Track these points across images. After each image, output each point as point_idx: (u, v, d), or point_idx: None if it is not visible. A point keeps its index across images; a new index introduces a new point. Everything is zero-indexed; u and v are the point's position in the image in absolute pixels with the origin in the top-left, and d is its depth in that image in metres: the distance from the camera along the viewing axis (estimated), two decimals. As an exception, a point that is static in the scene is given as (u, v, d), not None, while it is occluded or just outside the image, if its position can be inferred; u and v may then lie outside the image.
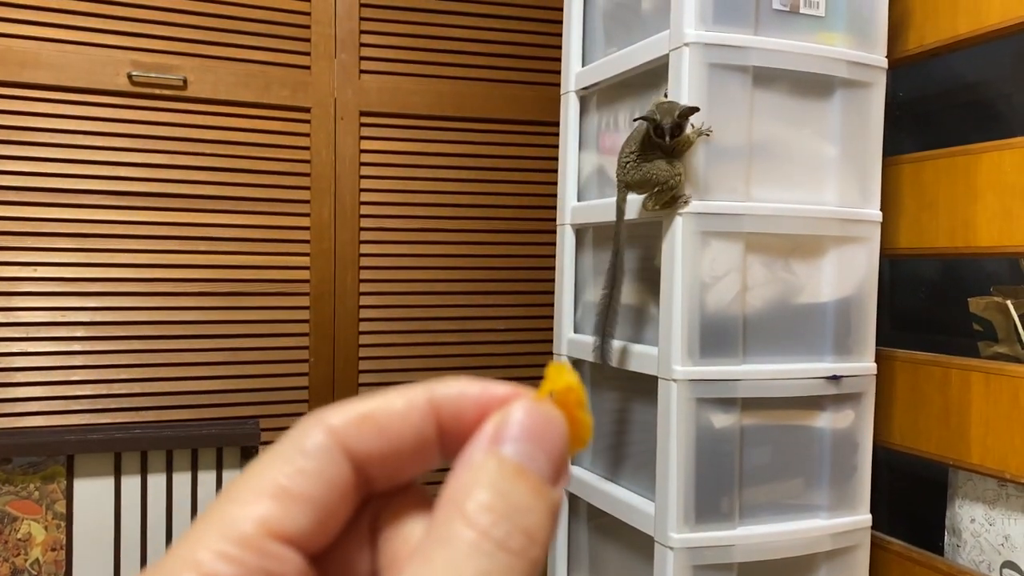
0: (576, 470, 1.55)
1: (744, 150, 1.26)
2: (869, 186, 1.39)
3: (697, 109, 1.18)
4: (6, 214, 1.87)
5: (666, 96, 1.24)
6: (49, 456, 1.81)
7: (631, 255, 1.40)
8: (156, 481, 1.88)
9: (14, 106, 1.87)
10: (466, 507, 0.20)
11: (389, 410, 0.23)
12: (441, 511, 0.21)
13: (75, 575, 1.84)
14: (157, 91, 1.96)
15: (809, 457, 1.36)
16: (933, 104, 1.71)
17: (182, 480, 1.90)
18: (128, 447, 1.85)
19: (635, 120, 1.20)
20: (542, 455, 0.22)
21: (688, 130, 1.20)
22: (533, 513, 0.21)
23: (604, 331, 1.29)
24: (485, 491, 0.21)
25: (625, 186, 1.25)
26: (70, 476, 1.83)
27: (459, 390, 0.24)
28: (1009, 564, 1.39)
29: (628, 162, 1.23)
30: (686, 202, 1.21)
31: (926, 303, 1.73)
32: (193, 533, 0.20)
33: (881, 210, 1.41)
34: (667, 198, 1.21)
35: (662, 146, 1.19)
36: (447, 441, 0.24)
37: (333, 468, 0.22)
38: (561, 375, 0.25)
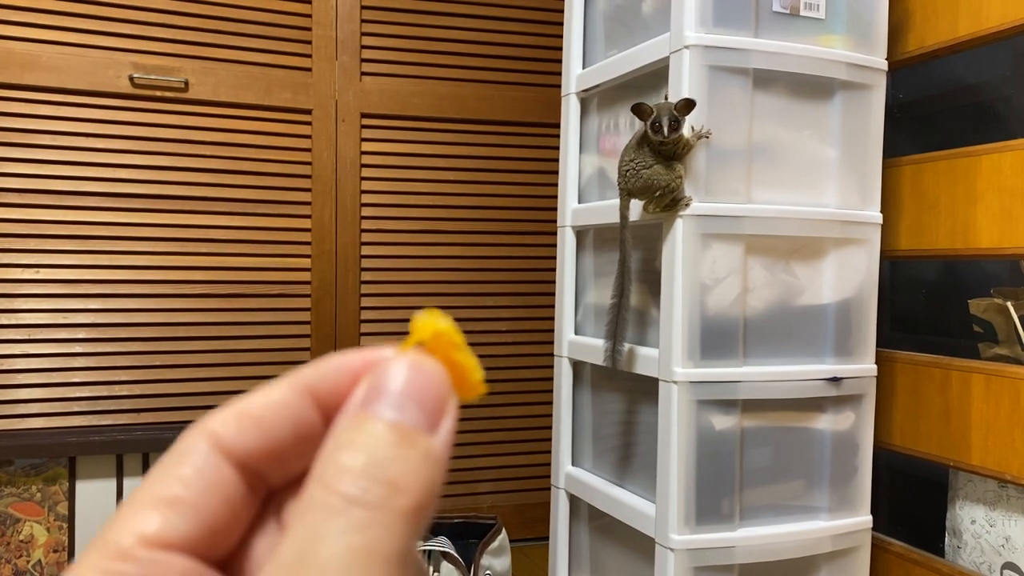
0: (577, 471, 1.55)
1: (744, 152, 1.26)
2: (869, 188, 1.39)
3: (694, 102, 1.17)
4: (8, 216, 1.87)
5: (666, 99, 1.24)
6: (51, 458, 1.81)
7: (632, 257, 1.40)
8: (158, 483, 1.88)
9: (16, 108, 1.88)
10: (324, 473, 0.20)
11: (265, 402, 0.23)
12: (307, 485, 0.20)
13: (77, 577, 1.84)
14: (158, 93, 1.97)
15: (810, 459, 1.36)
16: (933, 106, 1.71)
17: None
18: (130, 449, 1.85)
19: (632, 109, 1.19)
20: (410, 404, 0.22)
21: (687, 132, 1.20)
22: (396, 462, 0.20)
23: (616, 337, 1.30)
24: (342, 453, 0.20)
25: (627, 194, 1.25)
26: (72, 478, 1.83)
27: (332, 365, 0.24)
28: (1010, 565, 1.39)
29: (628, 170, 1.23)
30: (687, 204, 1.22)
31: (926, 305, 1.74)
32: (80, 557, 0.21)
33: (881, 212, 1.41)
34: (667, 201, 1.21)
35: (661, 143, 1.18)
36: (333, 419, 0.23)
37: (213, 471, 0.22)
38: (429, 322, 0.24)
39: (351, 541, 0.19)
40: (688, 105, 1.16)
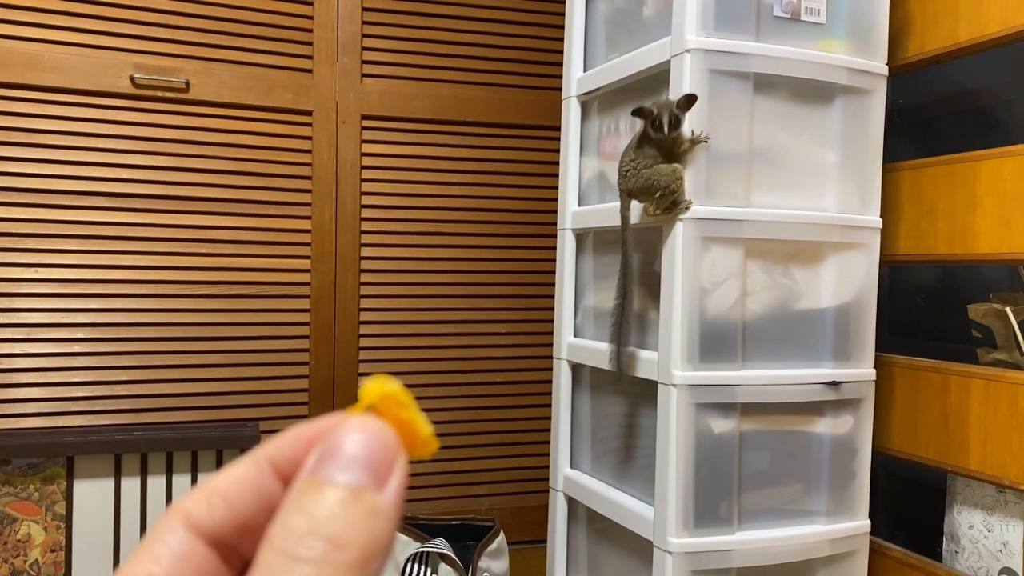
0: (575, 474, 1.55)
1: (744, 156, 1.27)
2: (869, 193, 1.39)
3: (695, 97, 1.17)
4: (8, 215, 1.87)
5: (667, 97, 1.25)
6: (49, 457, 1.81)
7: (634, 259, 1.40)
8: (156, 483, 1.88)
9: (18, 108, 1.88)
10: (273, 536, 0.22)
11: (229, 479, 0.25)
12: (259, 550, 0.22)
13: (74, 576, 1.84)
14: (160, 94, 1.97)
15: (808, 463, 1.36)
16: (933, 111, 1.71)
17: (182, 482, 1.90)
18: (128, 449, 1.85)
19: (632, 113, 1.20)
20: (355, 465, 0.23)
21: (687, 133, 1.20)
22: (338, 520, 0.22)
23: (619, 340, 1.30)
24: (290, 515, 0.22)
25: (628, 194, 1.26)
26: (70, 477, 1.83)
27: (289, 437, 0.26)
28: (1007, 570, 1.39)
29: (628, 170, 1.23)
30: (687, 207, 1.22)
31: (925, 309, 1.74)
32: None
33: (881, 216, 1.41)
34: (668, 203, 1.22)
35: (661, 142, 1.18)
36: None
37: (185, 548, 0.24)
38: (377, 386, 0.26)
39: None
40: (689, 101, 1.17)
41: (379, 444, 0.24)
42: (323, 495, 0.22)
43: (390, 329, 2.17)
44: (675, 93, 1.25)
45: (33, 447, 1.79)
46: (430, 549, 1.43)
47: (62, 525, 1.83)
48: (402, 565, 1.44)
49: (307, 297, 2.10)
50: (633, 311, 1.37)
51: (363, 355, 2.14)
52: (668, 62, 1.27)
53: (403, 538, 1.46)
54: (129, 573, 0.23)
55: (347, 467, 0.23)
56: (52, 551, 1.83)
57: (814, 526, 1.36)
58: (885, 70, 1.38)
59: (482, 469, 2.25)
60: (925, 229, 1.48)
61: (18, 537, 1.81)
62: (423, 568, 1.38)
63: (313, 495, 0.22)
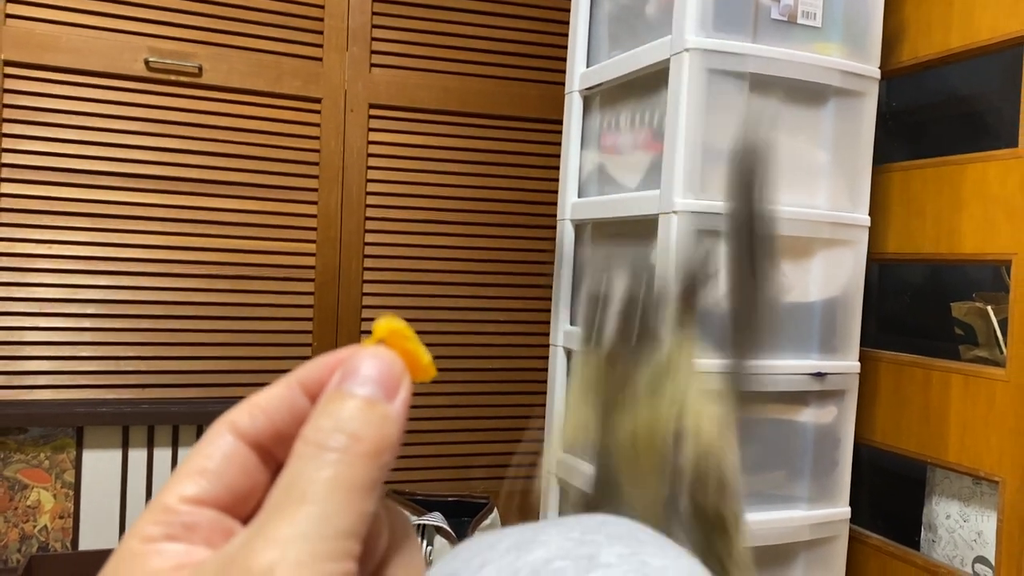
0: (569, 458, 1.60)
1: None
2: (858, 192, 1.44)
3: (700, 284, 0.71)
4: (23, 192, 1.92)
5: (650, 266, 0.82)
6: (59, 427, 1.86)
7: (626, 251, 1.45)
8: (162, 455, 1.94)
9: (34, 87, 1.93)
10: (306, 432, 0.28)
11: (269, 396, 0.31)
12: (295, 444, 0.28)
13: (81, 543, 1.90)
14: (173, 77, 2.01)
15: (792, 450, 1.41)
16: (925, 115, 1.76)
17: (187, 455, 1.96)
18: (136, 421, 1.90)
19: (626, 299, 0.68)
20: (370, 380, 0.29)
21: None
22: (357, 421, 0.28)
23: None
24: (318, 418, 0.28)
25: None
26: (79, 447, 1.88)
27: (317, 363, 0.32)
28: (981, 559, 1.45)
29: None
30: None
31: (911, 307, 1.79)
32: (139, 515, 0.29)
33: (871, 216, 1.46)
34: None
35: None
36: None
37: (232, 449, 0.30)
38: (385, 323, 0.32)
39: (322, 474, 0.26)
40: (688, 292, 0.66)
41: (388, 367, 0.30)
42: (345, 403, 0.28)
43: (391, 314, 2.22)
44: (674, 91, 1.29)
45: (44, 416, 1.85)
46: (426, 522, 1.48)
47: (71, 493, 1.89)
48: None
49: (311, 280, 2.15)
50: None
51: (365, 338, 2.19)
52: (668, 60, 1.32)
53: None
54: (185, 469, 0.29)
55: (363, 383, 0.29)
56: (60, 518, 1.88)
57: (796, 511, 1.41)
58: (877, 73, 1.43)
59: (478, 453, 2.31)
60: (913, 229, 1.53)
61: (28, 503, 1.86)
62: (419, 540, 1.43)
63: (337, 403, 0.28)
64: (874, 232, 1.49)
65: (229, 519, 0.29)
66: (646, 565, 0.39)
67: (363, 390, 0.29)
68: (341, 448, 0.27)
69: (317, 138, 2.15)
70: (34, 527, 1.87)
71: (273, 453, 0.31)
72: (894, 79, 1.63)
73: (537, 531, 0.41)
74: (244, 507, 0.30)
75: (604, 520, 0.43)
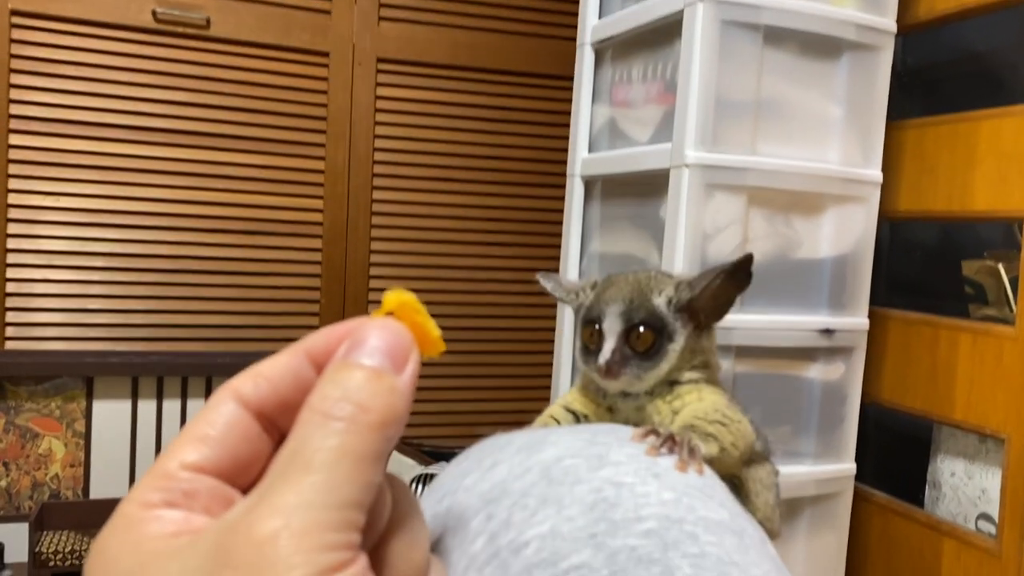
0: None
1: (751, 106, 1.30)
2: (871, 148, 1.43)
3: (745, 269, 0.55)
4: (29, 144, 1.92)
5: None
6: (68, 375, 1.88)
7: (636, 204, 1.44)
8: (171, 406, 1.96)
9: (40, 38, 1.91)
10: (312, 400, 0.27)
11: (273, 365, 0.31)
12: (300, 412, 0.28)
13: (92, 491, 1.92)
14: (180, 29, 2.00)
15: (798, 406, 1.42)
16: (940, 72, 1.73)
17: (196, 406, 1.98)
18: (145, 372, 1.92)
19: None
20: (378, 352, 0.29)
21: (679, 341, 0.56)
22: (364, 391, 0.27)
23: None
24: (326, 386, 0.28)
25: None
26: (89, 397, 1.90)
27: (323, 333, 0.31)
28: (984, 516, 1.46)
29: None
30: None
31: (922, 266, 1.78)
32: (139, 480, 0.28)
33: (884, 173, 1.45)
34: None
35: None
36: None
37: (236, 417, 0.29)
38: (395, 295, 0.32)
39: (328, 443, 0.26)
40: (695, 288, 0.54)
41: (397, 339, 0.29)
42: (352, 373, 0.28)
43: (400, 272, 2.22)
44: (687, 43, 1.27)
45: (54, 366, 1.86)
46: (433, 472, 1.50)
47: (81, 442, 1.91)
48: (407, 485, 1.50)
49: (319, 237, 2.15)
50: (631, 256, 1.41)
51: (372, 295, 2.20)
52: (681, 12, 1.30)
53: (408, 461, 1.53)
54: (187, 435, 0.29)
55: (371, 354, 0.29)
56: (72, 466, 1.90)
57: (801, 466, 1.42)
58: (894, 28, 1.41)
59: (486, 411, 2.32)
60: (925, 186, 1.52)
61: (40, 451, 1.88)
62: (426, 488, 1.45)
63: (344, 372, 0.28)
64: (886, 189, 1.48)
65: (229, 488, 0.29)
66: (656, 464, 0.39)
67: (371, 361, 0.28)
68: (348, 417, 0.27)
69: (325, 92, 2.13)
70: (46, 475, 1.90)
71: (276, 422, 0.31)
72: (910, 34, 1.60)
73: (547, 433, 0.41)
74: (245, 476, 0.30)
75: (614, 427, 0.43)
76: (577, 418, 0.56)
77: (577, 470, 0.37)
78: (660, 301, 0.53)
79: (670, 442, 0.43)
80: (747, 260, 0.51)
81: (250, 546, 0.24)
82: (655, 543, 0.34)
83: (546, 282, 0.59)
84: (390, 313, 0.31)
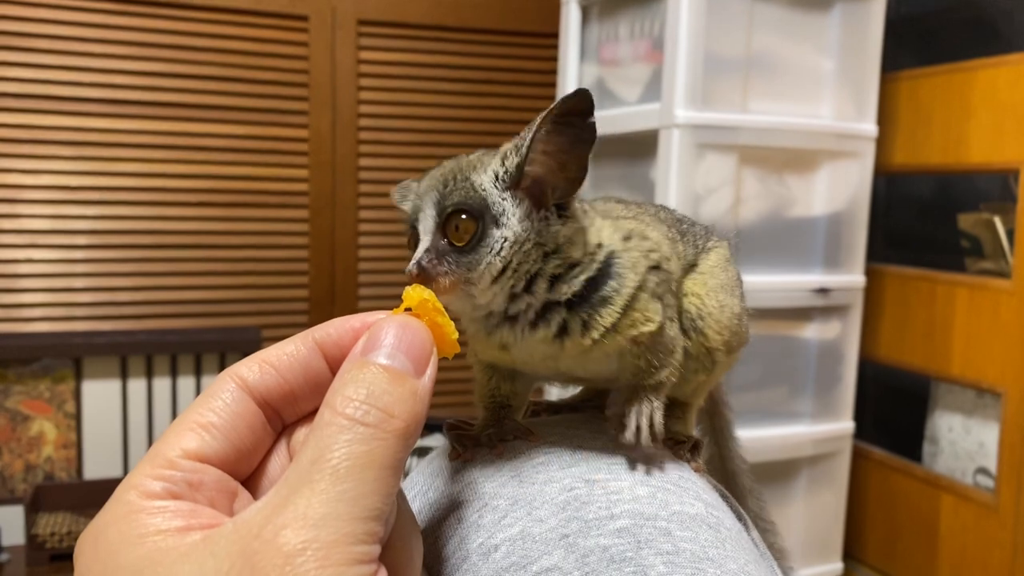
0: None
1: (742, 62, 1.27)
2: (865, 102, 1.40)
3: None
4: (7, 121, 1.87)
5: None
6: (55, 357, 1.86)
7: (625, 166, 1.41)
8: (161, 384, 1.93)
9: (11, 11, 1.86)
10: (334, 401, 0.26)
11: (280, 353, 0.30)
12: (319, 412, 0.26)
13: (86, 472, 1.91)
14: (153, -3, 1.94)
15: (795, 366, 1.40)
16: (935, 21, 1.70)
17: (187, 384, 1.95)
18: (133, 351, 1.89)
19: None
20: (400, 353, 0.28)
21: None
22: (389, 395, 0.26)
23: None
24: (348, 387, 0.26)
25: None
26: (78, 378, 1.88)
27: (336, 325, 0.30)
28: (982, 470, 1.45)
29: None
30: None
31: (918, 221, 1.76)
32: (136, 466, 0.27)
33: (878, 126, 1.42)
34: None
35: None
36: (337, 368, 0.29)
37: (239, 405, 0.29)
38: (416, 293, 0.31)
39: (355, 450, 0.25)
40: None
41: (418, 340, 0.29)
42: (376, 375, 0.27)
43: (389, 240, 2.19)
44: (673, 4, 1.23)
45: (41, 348, 1.84)
46: (428, 444, 1.49)
47: (73, 423, 1.89)
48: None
49: (305, 207, 2.11)
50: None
51: (362, 265, 2.17)
52: (668, -35, 1.26)
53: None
54: (190, 420, 0.28)
55: (393, 355, 0.28)
56: (64, 448, 1.89)
57: (798, 427, 1.41)
58: (887, -24, 1.37)
59: (479, 376, 2.30)
60: (920, 139, 1.49)
61: (31, 434, 1.87)
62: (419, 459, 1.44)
63: (368, 373, 0.27)
64: (881, 143, 1.45)
65: (231, 479, 0.28)
66: (630, 456, 0.39)
67: (392, 361, 0.28)
68: (375, 424, 0.26)
69: (305, 58, 2.08)
70: (39, 457, 1.88)
71: (280, 414, 0.30)
72: (903, -17, 1.57)
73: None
74: (246, 466, 0.29)
75: (588, 418, 0.45)
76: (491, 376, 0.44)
77: (548, 467, 0.37)
78: (483, 178, 0.40)
79: (670, 443, 0.41)
80: (580, 96, 0.36)
81: (277, 557, 0.23)
82: (628, 541, 0.33)
83: (395, 195, 0.38)
84: (408, 309, 0.31)
